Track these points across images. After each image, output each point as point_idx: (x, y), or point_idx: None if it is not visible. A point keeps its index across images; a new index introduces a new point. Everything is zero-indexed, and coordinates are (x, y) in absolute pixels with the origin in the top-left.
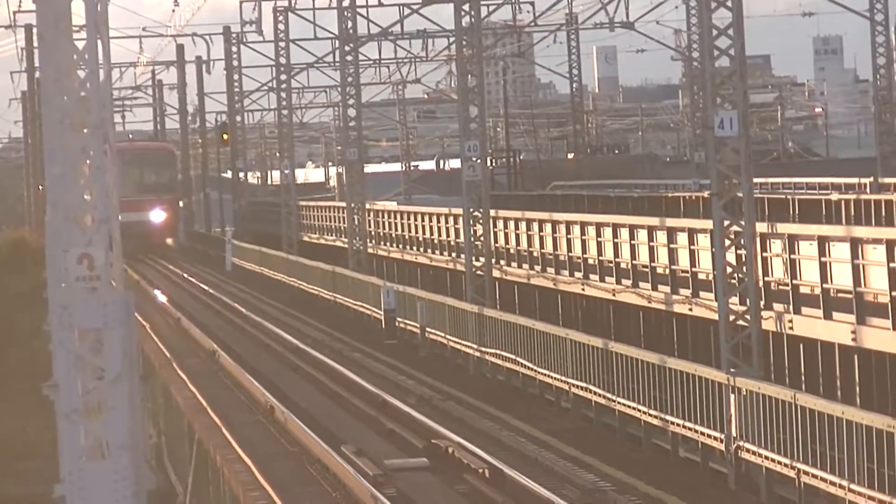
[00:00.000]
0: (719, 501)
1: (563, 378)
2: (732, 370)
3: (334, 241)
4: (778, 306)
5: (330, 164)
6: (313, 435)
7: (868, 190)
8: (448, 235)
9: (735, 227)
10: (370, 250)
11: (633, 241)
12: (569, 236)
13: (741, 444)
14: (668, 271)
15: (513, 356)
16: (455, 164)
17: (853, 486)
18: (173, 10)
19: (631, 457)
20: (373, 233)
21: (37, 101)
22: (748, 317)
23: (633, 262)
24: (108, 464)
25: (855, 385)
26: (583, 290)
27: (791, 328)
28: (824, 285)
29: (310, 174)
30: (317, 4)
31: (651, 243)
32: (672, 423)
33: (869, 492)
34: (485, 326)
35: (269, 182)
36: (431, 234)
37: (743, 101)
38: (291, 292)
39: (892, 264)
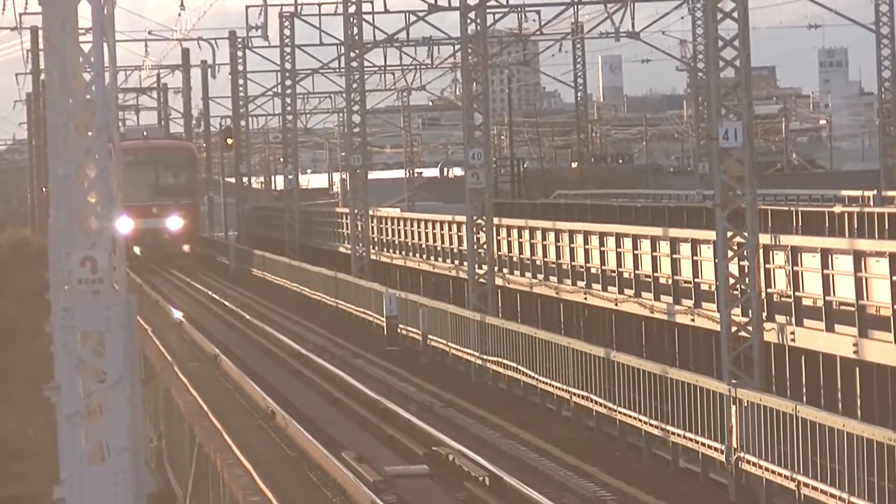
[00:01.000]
0: None
1: (564, 387)
2: (734, 381)
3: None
4: (780, 318)
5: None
6: (314, 440)
7: (871, 202)
8: (451, 243)
9: (738, 238)
10: (373, 256)
11: (635, 251)
12: (572, 245)
13: (742, 455)
14: (670, 281)
15: (514, 364)
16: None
17: (853, 499)
18: (179, 14)
19: (631, 466)
20: (376, 239)
21: (42, 104)
22: (750, 328)
23: (636, 271)
24: (109, 466)
25: (856, 398)
26: (585, 299)
27: (793, 340)
28: (827, 297)
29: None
30: (323, 10)
31: (654, 253)
32: (673, 433)
33: None
34: (487, 334)
35: (272, 187)
36: (434, 241)
37: (747, 112)
38: (293, 297)
39: (894, 277)
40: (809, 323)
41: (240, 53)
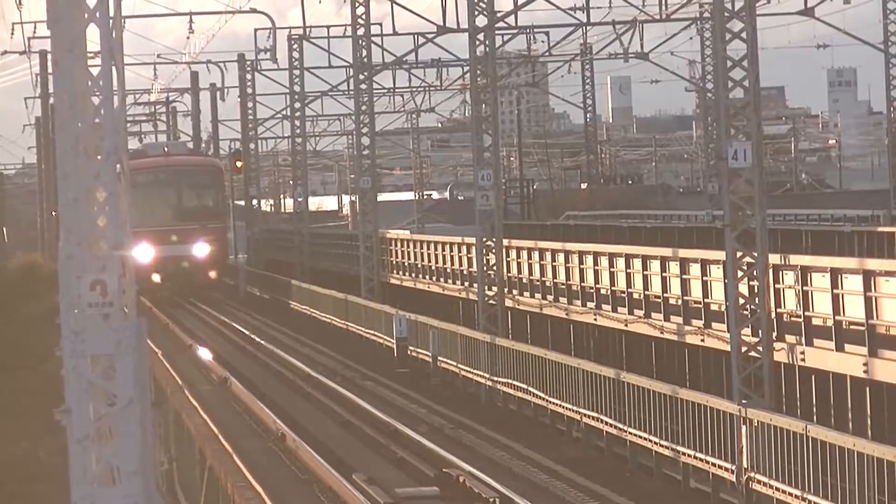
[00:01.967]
0: None
1: (574, 408)
2: (744, 401)
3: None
4: (790, 338)
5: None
6: (324, 463)
7: (881, 222)
8: (461, 264)
9: (748, 259)
10: (382, 279)
11: (645, 272)
12: (581, 266)
13: (752, 475)
14: (680, 302)
15: (525, 385)
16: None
17: None
18: (188, 38)
19: (642, 487)
20: (385, 261)
21: (51, 127)
22: (760, 348)
23: (646, 292)
24: (119, 489)
25: (867, 417)
26: (595, 319)
27: (803, 360)
28: (836, 317)
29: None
30: (331, 33)
31: (663, 274)
32: (683, 453)
33: None
34: (497, 356)
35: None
36: (444, 262)
37: (757, 132)
38: (303, 320)
39: None
40: (819, 343)
41: (249, 76)
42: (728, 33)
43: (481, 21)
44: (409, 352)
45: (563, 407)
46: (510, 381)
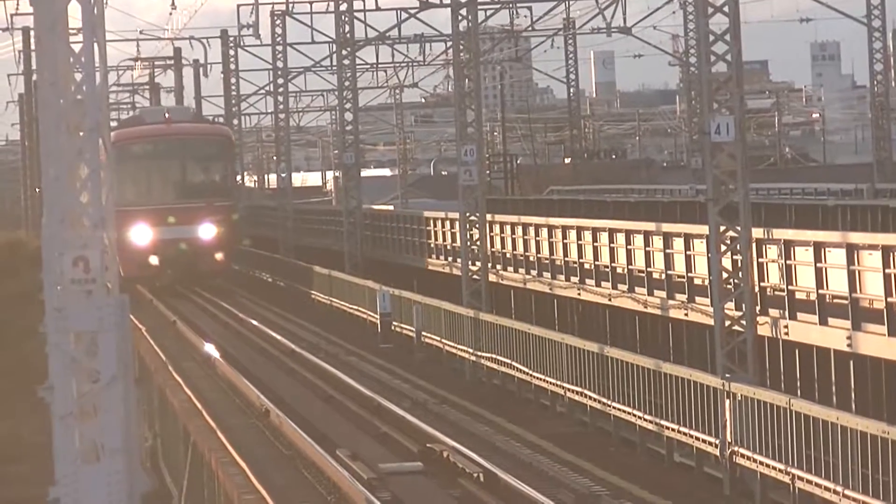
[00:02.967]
0: None
1: (558, 382)
2: (728, 375)
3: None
4: (774, 312)
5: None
6: (308, 438)
7: (865, 195)
8: (444, 240)
9: (731, 233)
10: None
11: (629, 246)
12: (565, 241)
13: (736, 449)
14: (663, 276)
15: (508, 360)
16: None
17: (847, 492)
18: (170, 14)
19: (625, 461)
20: (371, 236)
21: (34, 104)
22: (744, 322)
23: (629, 266)
24: (103, 466)
25: (850, 391)
26: (579, 294)
27: (787, 333)
28: (820, 291)
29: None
30: (314, 8)
31: (647, 248)
32: (667, 427)
33: (863, 497)
34: (480, 331)
35: (266, 186)
36: (428, 238)
37: (740, 106)
38: (287, 295)
39: (887, 270)
40: (803, 316)
41: (231, 52)
42: (710, 7)
43: None
44: (392, 327)
45: (547, 382)
46: (494, 356)
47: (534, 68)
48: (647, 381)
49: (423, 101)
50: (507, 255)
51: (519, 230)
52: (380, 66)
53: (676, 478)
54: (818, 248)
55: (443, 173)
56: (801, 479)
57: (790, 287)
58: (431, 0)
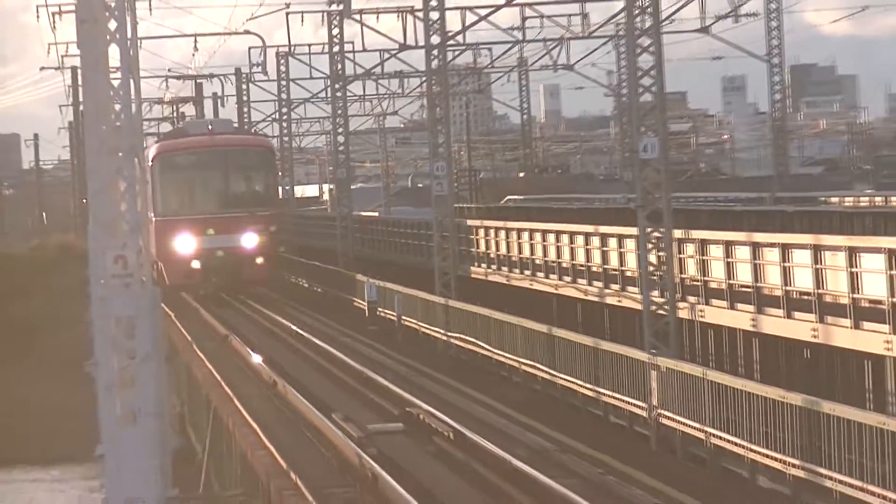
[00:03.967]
0: (643, 459)
1: (514, 357)
2: (654, 351)
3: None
4: (691, 298)
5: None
6: (309, 404)
7: (766, 202)
8: (420, 241)
9: (656, 233)
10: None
11: (572, 245)
12: (520, 241)
13: (661, 412)
14: (601, 269)
15: (474, 339)
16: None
17: (752, 447)
18: (193, 55)
19: (571, 422)
20: (360, 238)
21: (81, 130)
22: (667, 307)
23: (573, 262)
24: (140, 428)
25: (754, 363)
26: (531, 285)
27: (702, 316)
28: (729, 281)
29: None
30: (312, 49)
31: (587, 246)
32: (604, 394)
33: (765, 450)
34: (450, 315)
35: None
36: (407, 239)
37: (663, 129)
38: (290, 285)
39: (785, 264)
40: (715, 302)
41: (244, 86)
42: (638, 48)
43: (435, 39)
44: (378, 312)
45: (506, 357)
46: (462, 335)
47: (493, 99)
48: (587, 356)
49: (403, 126)
50: (473, 253)
51: (482, 232)
52: (366, 97)
53: (612, 436)
54: (728, 245)
55: (419, 185)
56: (714, 436)
57: (705, 278)
58: (409, 43)
